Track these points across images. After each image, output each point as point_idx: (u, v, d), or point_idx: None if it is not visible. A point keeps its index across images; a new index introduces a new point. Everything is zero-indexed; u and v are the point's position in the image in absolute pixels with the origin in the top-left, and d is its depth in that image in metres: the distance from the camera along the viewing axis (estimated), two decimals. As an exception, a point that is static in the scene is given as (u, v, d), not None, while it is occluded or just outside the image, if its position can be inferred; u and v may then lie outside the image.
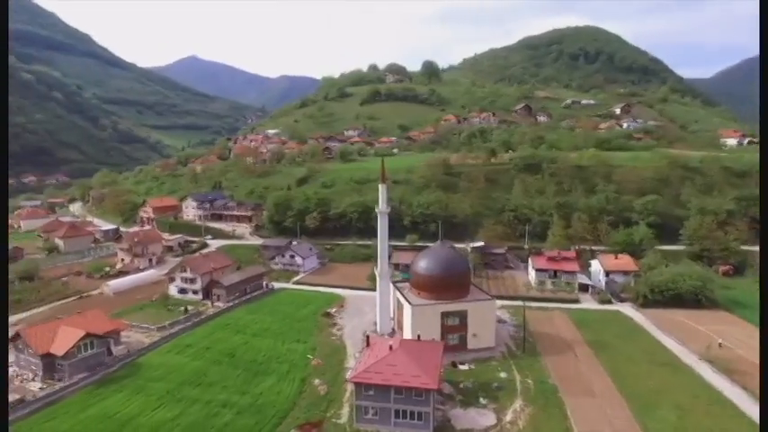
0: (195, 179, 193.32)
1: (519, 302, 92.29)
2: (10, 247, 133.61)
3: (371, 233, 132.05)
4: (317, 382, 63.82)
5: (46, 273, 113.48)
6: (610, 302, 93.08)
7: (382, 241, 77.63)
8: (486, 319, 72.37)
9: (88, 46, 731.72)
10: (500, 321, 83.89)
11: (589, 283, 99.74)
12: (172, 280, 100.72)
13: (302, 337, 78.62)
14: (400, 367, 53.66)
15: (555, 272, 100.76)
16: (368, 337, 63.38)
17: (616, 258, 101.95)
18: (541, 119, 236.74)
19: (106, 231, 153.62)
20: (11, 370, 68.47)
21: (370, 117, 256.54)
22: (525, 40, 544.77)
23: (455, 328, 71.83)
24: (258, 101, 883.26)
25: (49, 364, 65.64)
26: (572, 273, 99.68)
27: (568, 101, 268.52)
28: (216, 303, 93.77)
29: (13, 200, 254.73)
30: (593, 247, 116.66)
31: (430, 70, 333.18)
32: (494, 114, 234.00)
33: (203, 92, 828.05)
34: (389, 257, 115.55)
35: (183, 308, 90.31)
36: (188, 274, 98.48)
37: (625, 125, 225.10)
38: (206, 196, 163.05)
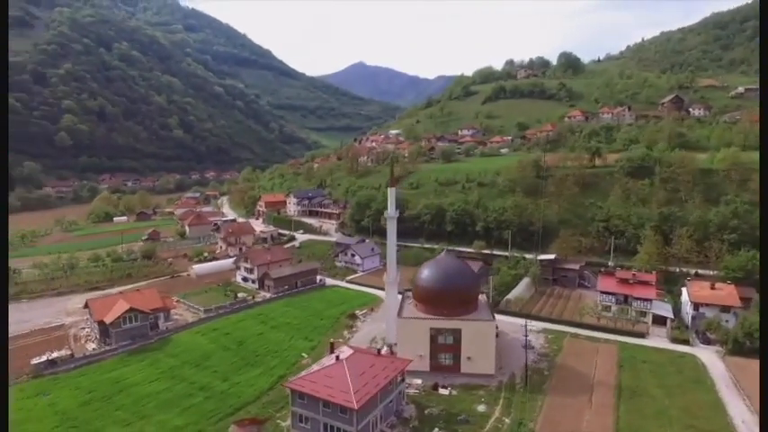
0: (309, 177, 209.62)
1: (564, 328, 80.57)
2: (151, 229, 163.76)
3: (443, 236, 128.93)
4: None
5: (161, 254, 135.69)
6: (686, 343, 74.15)
7: (391, 247, 74.56)
8: (484, 341, 64.20)
9: (268, 60, 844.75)
10: (527, 347, 73.82)
11: (668, 315, 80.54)
12: (238, 269, 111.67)
13: (312, 335, 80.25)
14: (335, 380, 51.41)
15: (625, 297, 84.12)
16: (332, 344, 61.91)
17: (712, 288, 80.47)
18: (696, 112, 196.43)
19: (226, 221, 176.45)
20: (85, 331, 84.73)
21: (489, 115, 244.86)
22: (711, 18, 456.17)
23: (448, 347, 65.55)
24: (414, 102, 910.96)
25: (105, 330, 79.06)
26: (646, 300, 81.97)
27: (740, 89, 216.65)
28: (263, 294, 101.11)
29: (184, 191, 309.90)
30: (698, 271, 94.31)
31: (567, 63, 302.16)
32: (629, 109, 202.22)
33: (362, 96, 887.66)
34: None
35: (234, 294, 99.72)
36: (248, 265, 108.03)
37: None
38: (306, 193, 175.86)
